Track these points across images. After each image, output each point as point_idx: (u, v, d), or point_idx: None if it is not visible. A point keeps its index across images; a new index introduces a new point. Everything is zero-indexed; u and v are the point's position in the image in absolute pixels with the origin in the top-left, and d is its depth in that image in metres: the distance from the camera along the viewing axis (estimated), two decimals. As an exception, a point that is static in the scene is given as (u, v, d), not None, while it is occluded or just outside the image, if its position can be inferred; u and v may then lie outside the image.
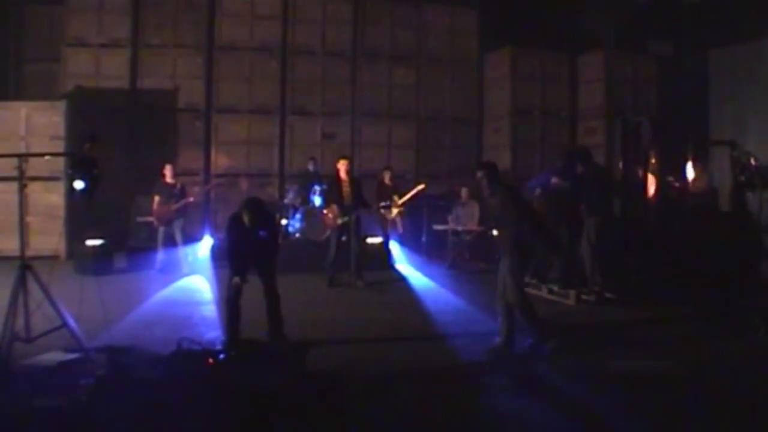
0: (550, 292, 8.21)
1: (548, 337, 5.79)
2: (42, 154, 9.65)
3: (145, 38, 12.47)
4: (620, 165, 8.54)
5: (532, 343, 5.78)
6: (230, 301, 5.86)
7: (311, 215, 10.82)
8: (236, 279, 5.78)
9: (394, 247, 10.64)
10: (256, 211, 5.85)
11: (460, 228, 10.78)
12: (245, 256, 5.86)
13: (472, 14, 14.08)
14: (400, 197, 10.48)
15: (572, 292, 7.91)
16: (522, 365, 5.56)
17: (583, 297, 7.91)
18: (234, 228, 5.93)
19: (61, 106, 11.00)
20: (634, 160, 8.40)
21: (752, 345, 6.19)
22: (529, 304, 5.85)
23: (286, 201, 11.60)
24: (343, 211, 8.76)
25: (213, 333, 6.34)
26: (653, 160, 8.28)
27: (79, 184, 5.44)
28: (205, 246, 10.21)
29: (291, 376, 4.52)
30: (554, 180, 8.41)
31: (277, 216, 10.04)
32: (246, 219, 5.81)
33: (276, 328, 5.97)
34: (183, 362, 4.67)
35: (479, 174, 5.93)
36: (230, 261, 5.98)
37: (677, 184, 8.88)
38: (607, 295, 7.88)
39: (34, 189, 9.57)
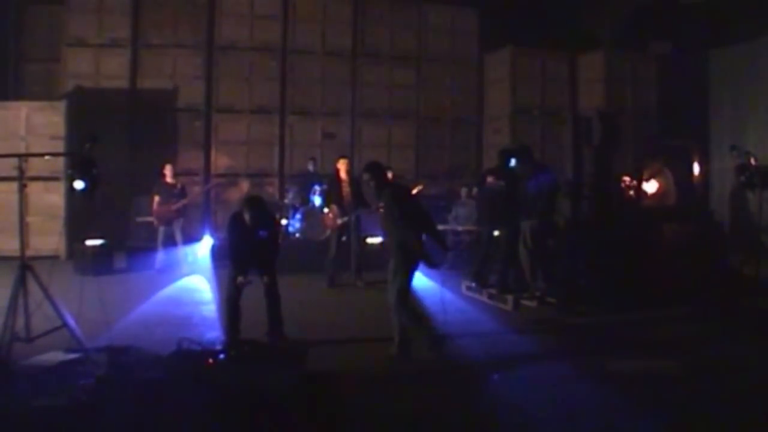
0: (490, 296, 7.91)
1: (437, 342, 5.56)
2: (42, 154, 9.66)
3: (145, 38, 12.47)
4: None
5: (427, 344, 5.55)
6: (231, 301, 5.87)
7: (311, 215, 10.81)
8: (240, 278, 5.79)
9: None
10: (257, 208, 5.85)
11: (459, 228, 10.76)
12: (246, 254, 5.87)
13: (472, 14, 14.06)
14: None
15: (509, 297, 7.59)
16: (522, 366, 5.56)
17: (524, 302, 7.59)
18: (235, 226, 5.93)
19: (61, 106, 10.99)
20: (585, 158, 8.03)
21: (752, 345, 6.19)
22: (410, 307, 5.64)
23: (286, 201, 11.59)
24: (343, 211, 8.77)
25: (213, 333, 6.34)
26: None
27: (79, 184, 5.44)
28: (205, 246, 10.20)
29: (291, 376, 4.52)
30: (489, 179, 8.03)
31: (278, 216, 10.03)
32: (247, 217, 5.81)
33: (276, 328, 5.97)
34: (183, 362, 4.67)
35: (365, 176, 5.79)
36: (231, 260, 5.98)
37: (631, 184, 8.78)
38: (549, 300, 7.53)
39: (34, 189, 9.57)
